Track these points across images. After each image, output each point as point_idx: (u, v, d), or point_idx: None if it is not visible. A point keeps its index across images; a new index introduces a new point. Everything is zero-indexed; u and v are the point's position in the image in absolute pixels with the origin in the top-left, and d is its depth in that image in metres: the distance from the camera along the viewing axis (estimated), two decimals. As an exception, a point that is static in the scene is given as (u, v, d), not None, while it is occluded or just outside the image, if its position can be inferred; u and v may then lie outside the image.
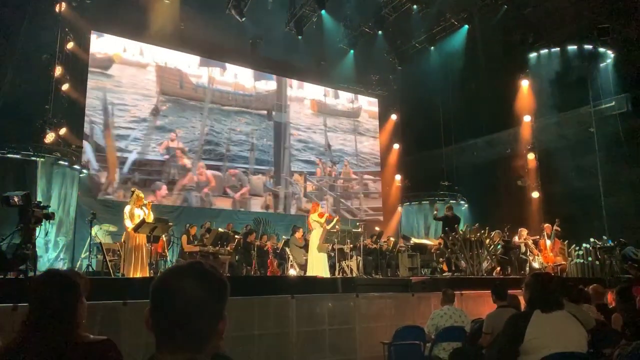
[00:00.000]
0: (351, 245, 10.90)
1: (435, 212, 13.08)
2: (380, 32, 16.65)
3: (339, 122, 18.92)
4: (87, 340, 1.86)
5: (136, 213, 8.00)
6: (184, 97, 15.50)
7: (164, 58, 15.27)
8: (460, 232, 10.99)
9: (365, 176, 19.00)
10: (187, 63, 15.73)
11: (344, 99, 19.27)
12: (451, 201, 17.19)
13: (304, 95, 18.31)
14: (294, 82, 18.10)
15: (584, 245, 12.40)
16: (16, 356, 1.76)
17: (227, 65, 16.52)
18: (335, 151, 18.41)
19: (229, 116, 16.22)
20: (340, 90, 19.04)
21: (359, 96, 19.58)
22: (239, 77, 16.75)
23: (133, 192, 8.41)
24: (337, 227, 10.31)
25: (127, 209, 8.09)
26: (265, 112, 17.15)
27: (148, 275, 7.83)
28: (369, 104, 19.83)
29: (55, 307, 1.83)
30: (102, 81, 14.07)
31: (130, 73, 14.64)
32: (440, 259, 12.10)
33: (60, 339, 1.79)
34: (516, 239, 11.89)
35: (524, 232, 12.19)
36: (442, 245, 11.45)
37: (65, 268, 9.22)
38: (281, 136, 17.14)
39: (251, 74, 17.04)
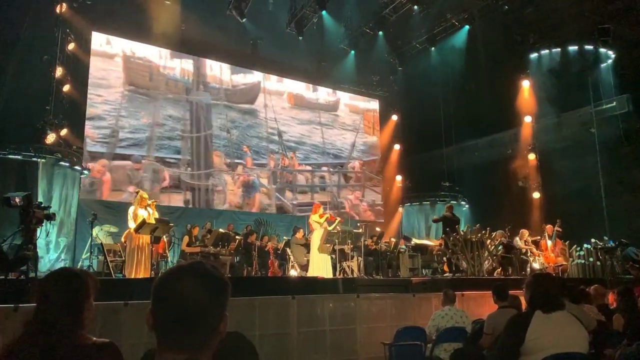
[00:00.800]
0: (352, 246, 10.90)
1: (435, 217, 13.10)
2: (380, 32, 16.65)
3: (315, 116, 18.62)
4: (90, 342, 1.85)
5: (139, 214, 8.02)
6: (155, 90, 14.92)
7: (133, 49, 14.74)
8: (462, 232, 10.99)
9: (323, 168, 18.22)
10: (160, 55, 15.15)
11: (323, 93, 18.95)
12: (452, 202, 17.20)
13: (284, 88, 17.96)
14: (272, 76, 17.64)
15: (585, 245, 12.41)
16: (17, 356, 1.76)
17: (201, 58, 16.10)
18: (297, 143, 17.81)
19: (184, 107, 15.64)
20: (341, 91, 19.04)
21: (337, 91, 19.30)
22: (214, 69, 16.37)
23: (137, 192, 8.44)
24: (337, 228, 10.32)
25: (130, 209, 8.13)
26: (248, 105, 17.01)
27: (149, 275, 7.84)
28: (349, 99, 19.56)
29: (62, 306, 1.83)
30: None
31: (93, 64, 14.01)
32: (442, 260, 12.09)
33: (64, 339, 1.79)
34: (517, 240, 11.88)
35: (525, 233, 12.20)
36: (442, 246, 11.45)
37: (93, 270, 9.26)
38: (201, 123, 15.65)
39: (227, 67, 16.65)
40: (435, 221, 13.13)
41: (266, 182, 16.79)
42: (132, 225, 7.97)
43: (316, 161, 18.17)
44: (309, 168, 17.99)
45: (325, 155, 18.44)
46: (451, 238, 10.73)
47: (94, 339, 1.89)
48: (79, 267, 10.41)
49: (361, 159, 19.28)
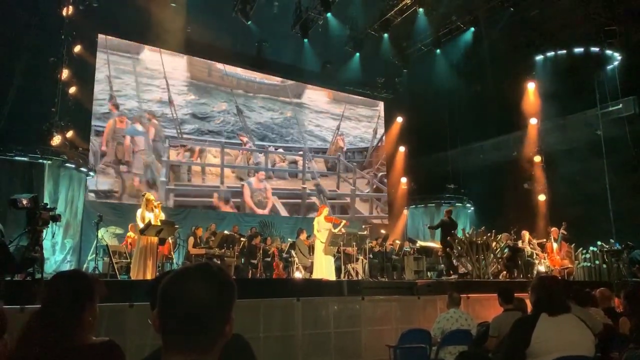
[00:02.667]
0: (357, 248, 10.89)
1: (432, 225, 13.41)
2: (385, 34, 16.63)
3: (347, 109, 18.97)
4: (89, 343, 1.86)
5: (147, 216, 8.07)
6: (213, 84, 16.18)
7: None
8: (467, 235, 10.97)
9: (300, 152, 17.61)
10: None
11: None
12: (457, 204, 17.20)
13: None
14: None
15: (591, 248, 12.36)
16: (17, 355, 1.77)
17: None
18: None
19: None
20: (345, 93, 19.05)
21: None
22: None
23: (143, 195, 8.51)
24: (342, 230, 10.30)
25: (138, 212, 8.21)
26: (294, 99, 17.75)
27: (155, 277, 7.86)
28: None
29: (63, 307, 1.84)
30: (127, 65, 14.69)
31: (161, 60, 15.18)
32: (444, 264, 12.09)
33: (62, 339, 1.80)
34: (520, 242, 11.86)
35: (526, 234, 12.18)
36: (447, 250, 11.42)
37: (89, 270, 9.29)
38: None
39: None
40: (431, 228, 13.19)
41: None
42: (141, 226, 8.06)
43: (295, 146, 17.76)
44: (287, 152, 17.38)
45: (312, 142, 18.15)
46: (457, 241, 10.73)
47: (94, 338, 1.90)
48: (84, 268, 10.44)
49: (338, 144, 18.68)
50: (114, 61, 14.39)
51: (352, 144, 19.04)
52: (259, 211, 16.15)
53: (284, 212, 16.64)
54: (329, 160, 18.34)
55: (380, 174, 19.36)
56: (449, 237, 11.21)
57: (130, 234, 10.89)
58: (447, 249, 11.32)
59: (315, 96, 18.44)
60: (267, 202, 16.54)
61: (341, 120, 18.97)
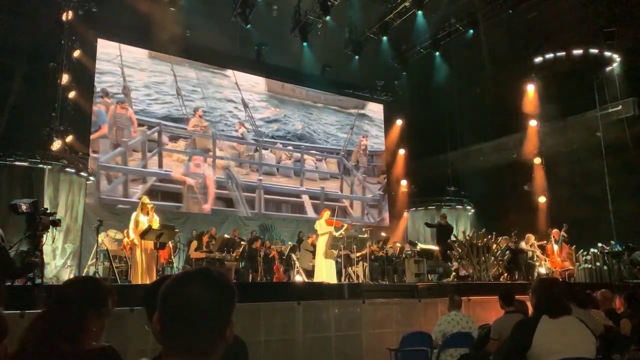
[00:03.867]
0: (357, 253, 10.88)
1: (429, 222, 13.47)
2: (385, 37, 16.67)
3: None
4: (88, 348, 1.86)
5: (140, 220, 8.07)
6: (285, 95, 17.73)
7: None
8: (467, 237, 10.97)
9: (312, 151, 17.90)
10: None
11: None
12: (457, 206, 17.21)
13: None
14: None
15: (592, 250, 12.34)
16: (16, 357, 1.77)
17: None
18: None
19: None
20: (345, 96, 19.09)
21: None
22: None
23: (140, 199, 8.52)
24: (343, 233, 10.29)
25: (132, 216, 8.20)
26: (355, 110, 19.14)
27: (155, 281, 7.84)
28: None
29: (66, 311, 1.84)
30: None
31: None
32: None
33: (61, 344, 1.79)
34: (523, 244, 11.84)
35: (531, 238, 12.15)
36: (446, 253, 11.41)
37: (99, 276, 9.30)
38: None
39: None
40: (428, 225, 13.24)
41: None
42: (131, 232, 8.06)
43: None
44: (286, 148, 17.44)
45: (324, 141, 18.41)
46: (457, 243, 10.74)
47: (94, 343, 1.89)
48: (84, 273, 10.43)
49: (344, 148, 18.75)
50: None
51: (375, 146, 19.50)
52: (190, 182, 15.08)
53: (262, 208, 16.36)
54: (341, 161, 18.54)
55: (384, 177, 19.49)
56: (448, 241, 11.22)
57: (126, 238, 10.89)
58: (447, 251, 11.34)
59: (375, 107, 19.87)
60: (208, 192, 15.22)
61: (355, 120, 19.22)
